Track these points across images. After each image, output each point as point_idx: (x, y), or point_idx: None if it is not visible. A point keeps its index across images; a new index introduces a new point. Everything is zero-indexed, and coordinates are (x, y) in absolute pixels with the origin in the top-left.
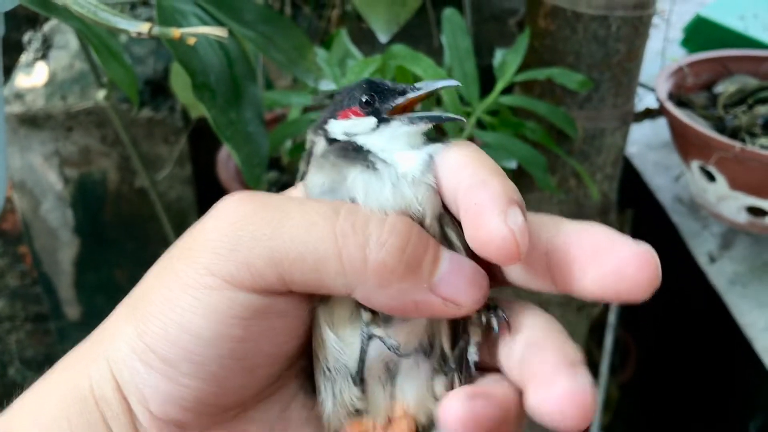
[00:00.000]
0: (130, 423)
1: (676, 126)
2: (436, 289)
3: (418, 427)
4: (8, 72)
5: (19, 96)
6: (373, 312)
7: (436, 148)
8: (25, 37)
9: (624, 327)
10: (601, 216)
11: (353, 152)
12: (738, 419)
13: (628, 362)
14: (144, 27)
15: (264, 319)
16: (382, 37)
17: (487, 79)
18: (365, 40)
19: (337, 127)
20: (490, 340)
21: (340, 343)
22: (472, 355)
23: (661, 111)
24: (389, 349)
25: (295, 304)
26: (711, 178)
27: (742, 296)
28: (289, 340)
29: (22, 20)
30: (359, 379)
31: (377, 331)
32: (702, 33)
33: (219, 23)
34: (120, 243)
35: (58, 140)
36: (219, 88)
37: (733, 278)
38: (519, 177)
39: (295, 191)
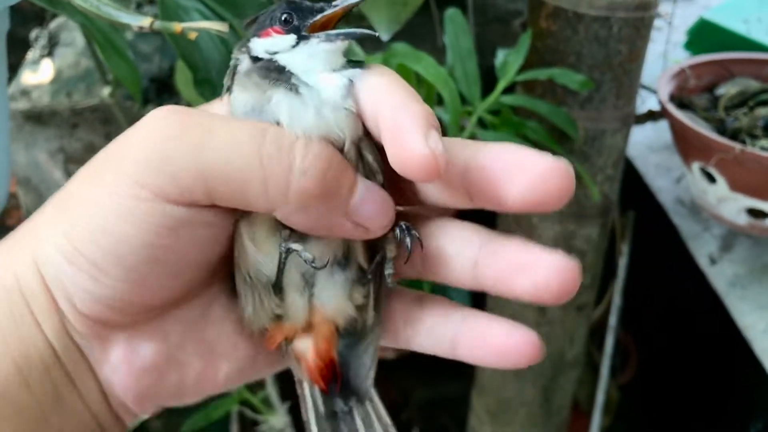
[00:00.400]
0: (55, 315)
1: (677, 127)
2: (349, 214)
3: (338, 329)
4: (14, 68)
5: (24, 92)
6: (292, 229)
7: (355, 72)
8: (32, 34)
9: (625, 328)
10: (602, 216)
11: (275, 72)
12: (738, 421)
13: (629, 364)
14: (146, 21)
15: (190, 228)
16: (384, 36)
17: (489, 79)
18: (369, 38)
19: (259, 46)
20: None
21: (261, 255)
22: (388, 269)
23: (662, 113)
24: (305, 261)
25: (219, 216)
26: (711, 179)
27: (742, 298)
28: (214, 248)
29: (29, 17)
30: (278, 288)
31: (294, 245)
32: (705, 36)
33: (221, 19)
34: None
35: (63, 137)
36: (220, 82)
37: (734, 280)
38: None
39: (218, 106)
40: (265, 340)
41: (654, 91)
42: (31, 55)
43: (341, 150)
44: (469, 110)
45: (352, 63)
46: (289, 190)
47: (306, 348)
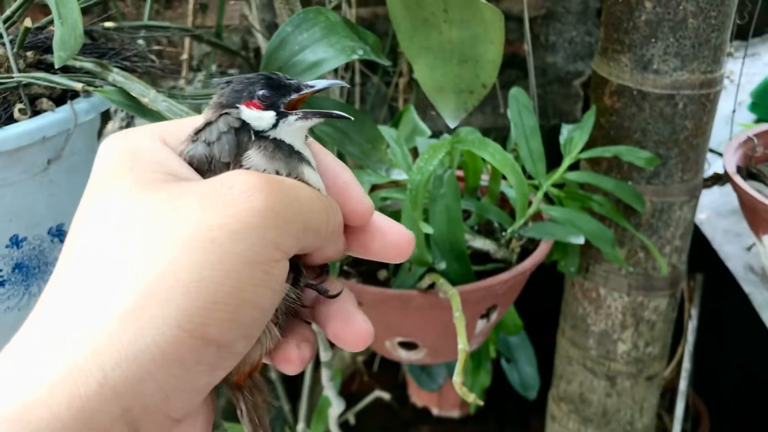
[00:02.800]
0: None
1: (745, 200)
2: (342, 238)
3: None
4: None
5: None
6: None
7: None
8: (112, 107)
9: (696, 392)
10: (671, 287)
11: (290, 152)
12: None
13: (701, 428)
14: None
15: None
16: (451, 123)
17: (552, 141)
18: (433, 106)
19: (247, 114)
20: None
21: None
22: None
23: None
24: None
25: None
26: None
27: None
28: None
29: None
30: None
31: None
32: None
33: None
34: None
35: None
36: None
37: None
38: (587, 248)
39: (189, 122)
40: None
41: (720, 154)
42: (110, 126)
43: None
44: (535, 184)
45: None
46: (330, 228)
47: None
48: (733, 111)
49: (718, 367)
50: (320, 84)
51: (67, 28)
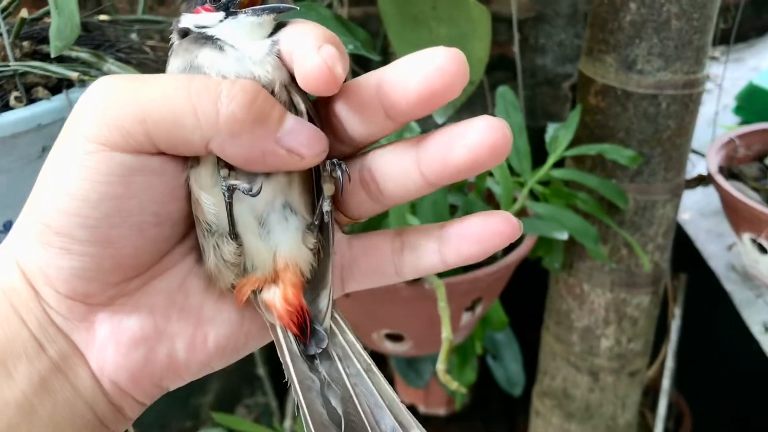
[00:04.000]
0: (39, 308)
1: (727, 199)
2: (281, 141)
3: (303, 275)
4: None
5: None
6: (231, 168)
7: (280, 33)
8: None
9: (678, 390)
10: (653, 284)
11: (203, 39)
12: None
13: (683, 426)
14: None
15: (141, 175)
16: (439, 119)
17: (540, 141)
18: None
19: (188, 21)
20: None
21: (210, 200)
22: (326, 206)
23: (712, 181)
24: (243, 192)
25: (169, 165)
26: (763, 250)
27: None
28: (171, 200)
29: None
30: (234, 234)
31: (233, 180)
32: (755, 101)
33: None
34: None
35: None
36: None
37: None
38: (571, 245)
39: None
40: (235, 296)
41: (704, 155)
42: None
43: (271, 92)
44: (521, 181)
45: (280, 24)
46: (218, 118)
47: (274, 296)
48: (716, 113)
49: (701, 365)
50: None
51: (63, 18)
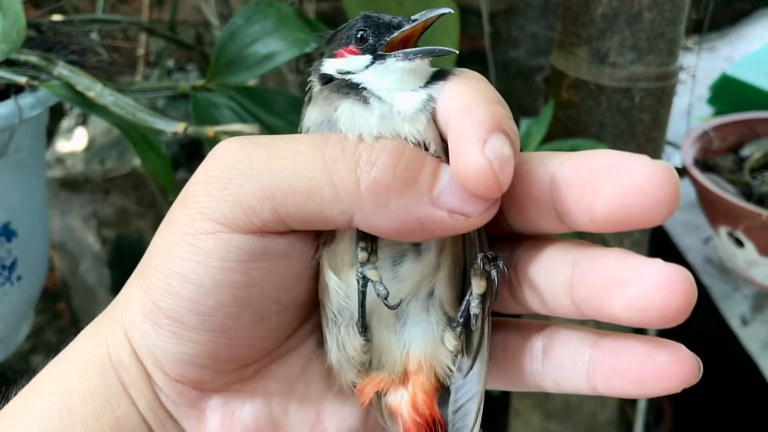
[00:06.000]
0: (148, 387)
1: (703, 192)
2: (439, 201)
3: (439, 380)
4: (49, 136)
5: (59, 160)
6: (370, 252)
7: (438, 85)
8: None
9: None
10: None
11: (347, 88)
12: None
13: (663, 422)
14: (180, 127)
15: (264, 261)
16: None
17: None
18: None
19: (332, 66)
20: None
21: (342, 286)
22: (474, 307)
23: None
24: (378, 296)
25: (297, 246)
26: (740, 243)
27: None
28: (296, 285)
29: None
30: (362, 326)
31: (370, 273)
32: (729, 91)
33: (251, 114)
34: None
35: (97, 202)
36: None
37: (767, 341)
38: None
39: None
40: (357, 395)
41: (679, 147)
42: (65, 123)
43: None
44: None
45: (439, 74)
46: (360, 187)
47: (401, 401)
48: (689, 104)
49: None
50: (424, 16)
51: (8, 20)
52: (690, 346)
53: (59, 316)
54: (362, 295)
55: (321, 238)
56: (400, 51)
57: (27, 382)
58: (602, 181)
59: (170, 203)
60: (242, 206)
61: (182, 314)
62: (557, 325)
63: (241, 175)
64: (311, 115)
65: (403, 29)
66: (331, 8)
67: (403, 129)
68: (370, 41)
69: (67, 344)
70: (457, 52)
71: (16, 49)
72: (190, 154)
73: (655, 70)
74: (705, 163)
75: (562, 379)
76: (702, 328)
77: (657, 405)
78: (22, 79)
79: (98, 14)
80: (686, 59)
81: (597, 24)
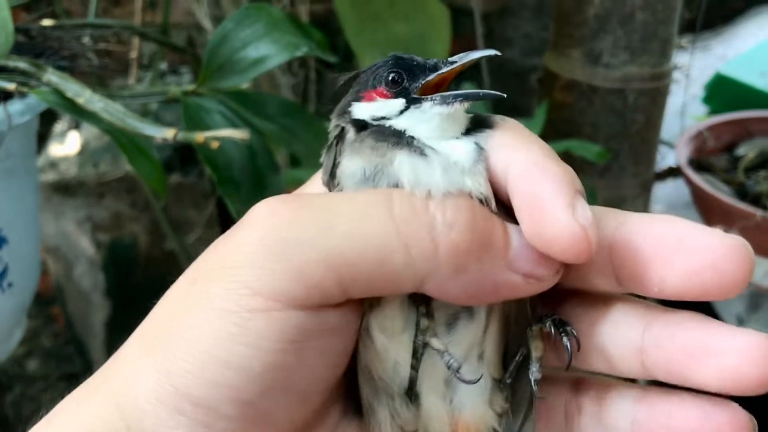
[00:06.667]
0: None
1: (697, 192)
2: (514, 264)
3: None
4: (42, 141)
5: (53, 164)
6: (428, 313)
7: (482, 134)
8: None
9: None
10: None
11: (393, 137)
12: None
13: None
14: (169, 133)
15: (319, 339)
16: None
17: None
18: None
19: (362, 111)
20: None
21: (396, 350)
22: (535, 372)
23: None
24: (448, 368)
25: (349, 317)
26: None
27: None
28: (344, 361)
29: None
30: (413, 394)
31: (435, 342)
32: (723, 91)
33: (242, 119)
34: (150, 305)
35: (91, 206)
36: (243, 180)
37: None
38: None
39: (311, 186)
40: None
41: (673, 146)
42: (58, 127)
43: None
44: None
45: (477, 120)
46: (438, 251)
47: None
48: (683, 104)
49: None
50: (464, 59)
51: None
52: None
53: (54, 321)
54: (416, 363)
55: (366, 302)
56: (437, 95)
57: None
58: (675, 255)
59: (164, 207)
60: (303, 279)
61: (218, 402)
62: (593, 381)
63: (299, 244)
64: (352, 164)
65: (440, 71)
66: (324, 10)
67: (466, 184)
68: (404, 84)
69: (64, 352)
70: (505, 96)
71: (4, 55)
72: (184, 157)
73: (649, 70)
74: (699, 163)
75: None
76: None
77: None
78: (11, 86)
79: (90, 18)
80: (680, 58)
81: (590, 25)
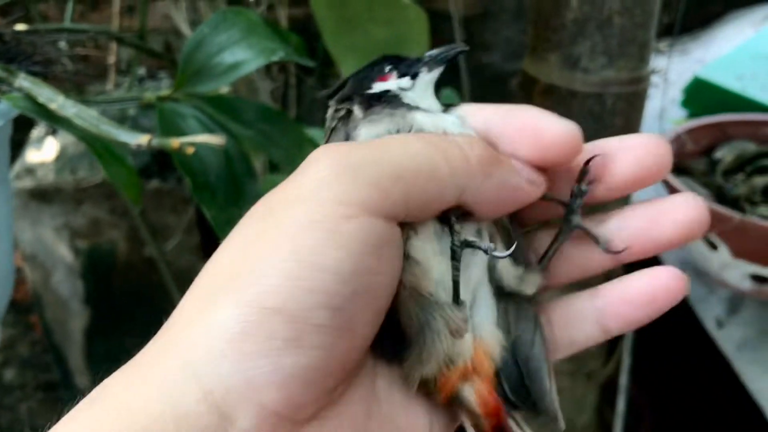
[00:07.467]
0: None
1: None
2: (521, 173)
3: (496, 370)
4: (19, 146)
5: (29, 171)
6: (460, 224)
7: (454, 111)
8: None
9: (638, 388)
10: (607, 278)
11: (404, 106)
12: None
13: (643, 424)
14: (144, 139)
15: (390, 248)
16: None
17: None
18: None
19: (382, 87)
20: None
21: (436, 265)
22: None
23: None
24: (486, 252)
25: (401, 240)
26: (713, 246)
27: (752, 362)
28: (396, 283)
29: None
30: (458, 299)
31: (470, 237)
32: (701, 94)
33: (218, 124)
34: (130, 312)
35: (68, 213)
36: (219, 187)
37: (742, 344)
38: None
39: None
40: (436, 393)
41: None
42: (35, 133)
43: None
44: None
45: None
46: (470, 161)
47: (469, 395)
48: (662, 108)
49: (658, 361)
50: (446, 50)
51: None
52: (667, 349)
53: (32, 329)
54: (458, 263)
55: (405, 229)
56: (424, 63)
57: None
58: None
59: (142, 213)
60: (379, 188)
61: (311, 310)
62: (554, 304)
63: (368, 163)
64: (375, 129)
65: (431, 56)
66: (303, 14)
67: (470, 132)
68: (402, 69)
69: (42, 360)
70: (467, 47)
71: None
72: (163, 163)
73: (627, 74)
74: (678, 167)
75: (575, 337)
76: (679, 331)
77: (637, 405)
78: None
79: (66, 23)
80: (659, 62)
81: (568, 29)
